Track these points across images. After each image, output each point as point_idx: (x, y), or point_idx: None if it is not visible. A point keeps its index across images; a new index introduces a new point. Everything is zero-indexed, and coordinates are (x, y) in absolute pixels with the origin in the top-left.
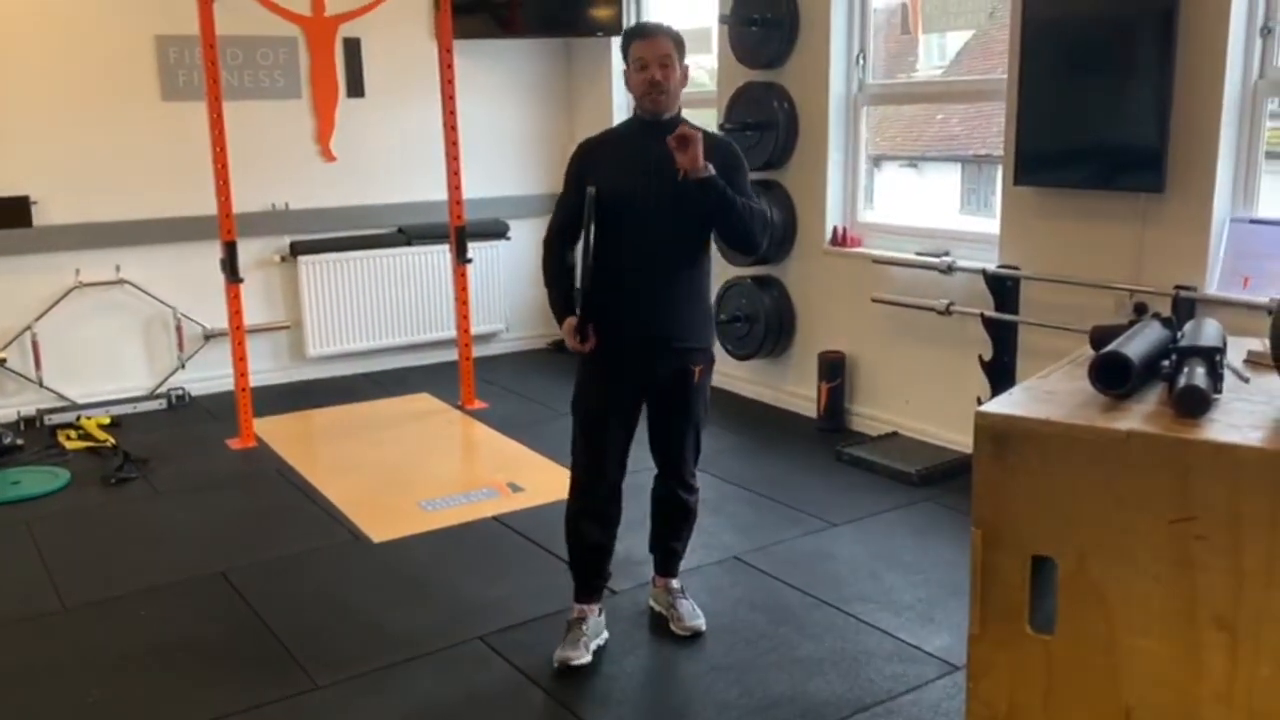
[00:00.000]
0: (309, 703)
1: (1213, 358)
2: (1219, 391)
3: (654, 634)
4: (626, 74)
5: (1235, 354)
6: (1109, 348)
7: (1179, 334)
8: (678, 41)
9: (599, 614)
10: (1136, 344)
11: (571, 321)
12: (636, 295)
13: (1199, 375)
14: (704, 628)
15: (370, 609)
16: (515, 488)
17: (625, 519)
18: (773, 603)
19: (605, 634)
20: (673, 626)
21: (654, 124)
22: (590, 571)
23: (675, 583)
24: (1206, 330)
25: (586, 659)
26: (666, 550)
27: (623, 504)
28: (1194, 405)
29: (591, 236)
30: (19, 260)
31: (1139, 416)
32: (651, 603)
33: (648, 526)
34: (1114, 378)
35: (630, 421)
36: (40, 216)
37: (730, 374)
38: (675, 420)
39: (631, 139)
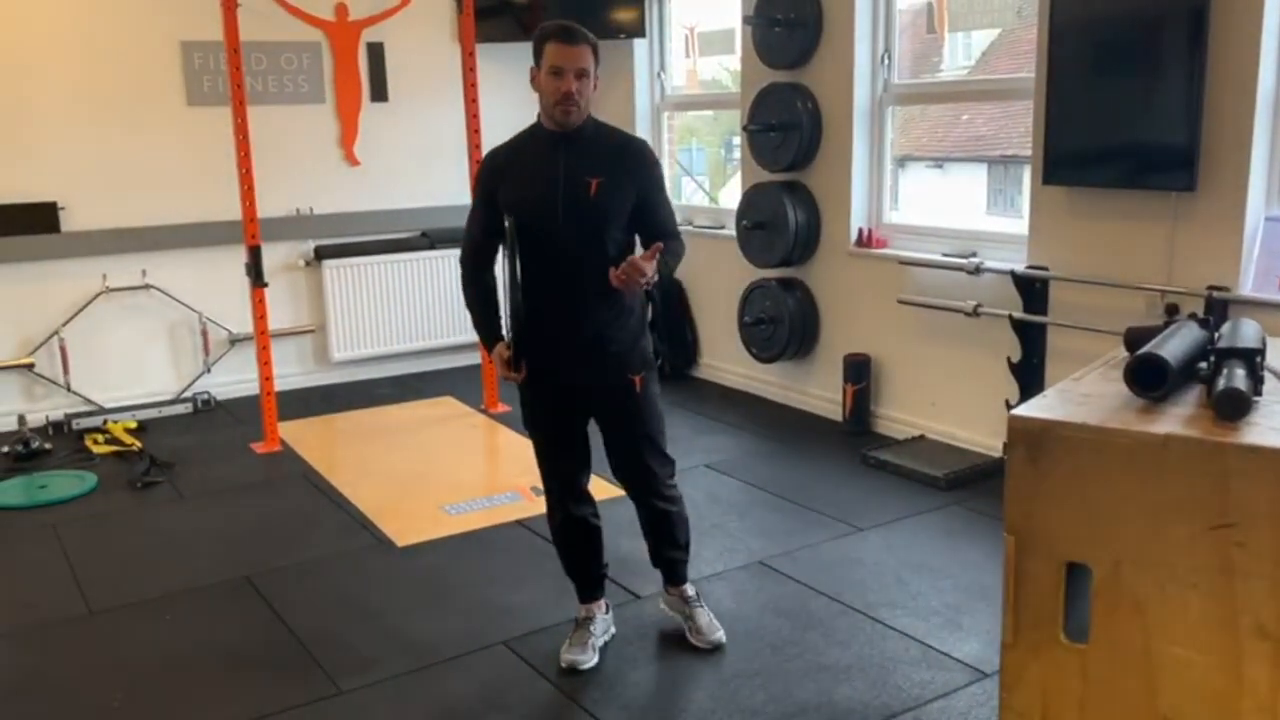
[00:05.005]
0: (332, 708)
1: (1253, 359)
2: (1259, 394)
3: (679, 640)
4: (534, 73)
5: (1275, 355)
6: (1145, 349)
7: (1216, 335)
8: (597, 51)
9: (606, 610)
10: (1173, 345)
11: (502, 351)
12: (562, 309)
13: (1239, 377)
14: (724, 640)
15: (393, 613)
16: (538, 491)
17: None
18: (798, 608)
19: (613, 630)
20: (691, 638)
21: (561, 135)
22: (585, 574)
23: (690, 589)
24: (1245, 331)
25: (594, 661)
26: (667, 561)
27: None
28: (1234, 408)
29: (518, 270)
30: (47, 265)
31: (1177, 420)
32: (663, 606)
33: None
34: (1151, 380)
35: (582, 426)
36: (67, 222)
37: (754, 376)
38: (626, 436)
39: (539, 151)
